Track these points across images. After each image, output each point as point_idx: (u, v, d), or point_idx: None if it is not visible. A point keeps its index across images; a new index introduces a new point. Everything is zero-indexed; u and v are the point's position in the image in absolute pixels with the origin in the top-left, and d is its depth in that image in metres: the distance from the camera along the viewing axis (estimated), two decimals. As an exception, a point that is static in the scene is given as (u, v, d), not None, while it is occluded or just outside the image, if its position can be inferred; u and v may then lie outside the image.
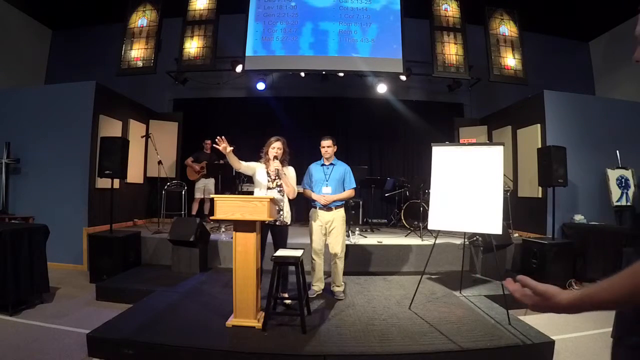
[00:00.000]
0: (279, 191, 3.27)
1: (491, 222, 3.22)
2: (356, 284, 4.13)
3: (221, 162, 6.27)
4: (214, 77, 7.19)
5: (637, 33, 0.84)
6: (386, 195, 6.97)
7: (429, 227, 3.60)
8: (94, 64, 7.13)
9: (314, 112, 7.67)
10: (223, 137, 3.00)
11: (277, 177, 3.28)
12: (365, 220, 7.03)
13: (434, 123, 7.34)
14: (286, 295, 3.42)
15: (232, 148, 3.05)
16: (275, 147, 3.26)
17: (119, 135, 5.67)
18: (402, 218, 6.49)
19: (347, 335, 2.74)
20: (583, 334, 3.15)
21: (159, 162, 5.96)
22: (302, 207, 6.77)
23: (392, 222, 7.11)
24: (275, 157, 3.22)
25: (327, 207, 3.55)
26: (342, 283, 3.69)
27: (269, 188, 3.27)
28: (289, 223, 3.38)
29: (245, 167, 3.29)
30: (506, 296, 3.23)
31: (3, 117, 5.45)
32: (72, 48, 7.68)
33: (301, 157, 6.77)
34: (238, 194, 6.06)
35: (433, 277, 4.44)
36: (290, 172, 3.37)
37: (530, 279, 0.83)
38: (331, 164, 3.66)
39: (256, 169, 3.33)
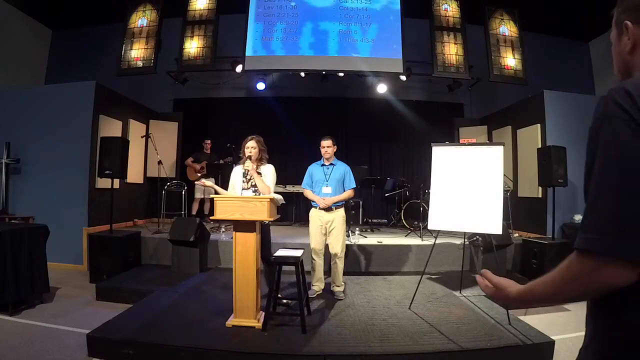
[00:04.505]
0: (254, 191, 3.15)
1: (491, 222, 3.22)
2: (356, 284, 4.13)
3: (221, 162, 6.28)
4: (214, 77, 7.18)
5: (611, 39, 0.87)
6: (386, 195, 6.97)
7: (429, 227, 3.60)
8: (94, 64, 7.13)
9: (314, 112, 7.67)
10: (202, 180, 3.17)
11: (251, 177, 3.18)
12: (365, 220, 7.03)
13: (434, 123, 7.33)
14: (279, 295, 3.41)
15: (212, 184, 3.27)
16: (250, 147, 3.17)
17: (119, 135, 5.67)
18: (402, 218, 6.48)
19: (347, 335, 2.74)
20: (583, 334, 3.14)
21: (159, 162, 5.96)
22: (302, 207, 6.77)
23: (392, 222, 7.11)
24: (249, 157, 3.13)
25: (327, 207, 3.55)
26: (342, 283, 3.69)
27: (243, 189, 3.18)
28: (267, 222, 3.14)
29: (231, 188, 3.23)
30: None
31: (3, 117, 5.45)
32: (72, 48, 7.67)
33: (301, 157, 6.77)
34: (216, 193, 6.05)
35: (433, 277, 4.44)
36: (266, 170, 3.22)
37: (490, 272, 0.94)
38: (331, 164, 3.66)
39: (235, 175, 3.26)
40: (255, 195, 3.10)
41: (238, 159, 3.35)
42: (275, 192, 3.14)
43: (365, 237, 5.43)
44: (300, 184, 3.96)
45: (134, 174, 6.13)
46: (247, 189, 3.18)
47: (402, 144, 7.89)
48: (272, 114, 7.27)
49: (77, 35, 7.71)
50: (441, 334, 2.75)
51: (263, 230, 3.27)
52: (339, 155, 3.79)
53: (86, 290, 4.06)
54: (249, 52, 6.34)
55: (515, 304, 0.86)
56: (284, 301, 3.35)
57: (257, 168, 3.16)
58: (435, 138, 5.68)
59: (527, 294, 0.81)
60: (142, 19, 6.44)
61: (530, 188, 5.64)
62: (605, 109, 0.71)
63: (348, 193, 3.63)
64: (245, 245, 2.81)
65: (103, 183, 5.02)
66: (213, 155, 6.55)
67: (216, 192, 3.23)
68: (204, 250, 4.66)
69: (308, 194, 3.69)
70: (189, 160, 6.55)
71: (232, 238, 2.90)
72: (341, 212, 3.62)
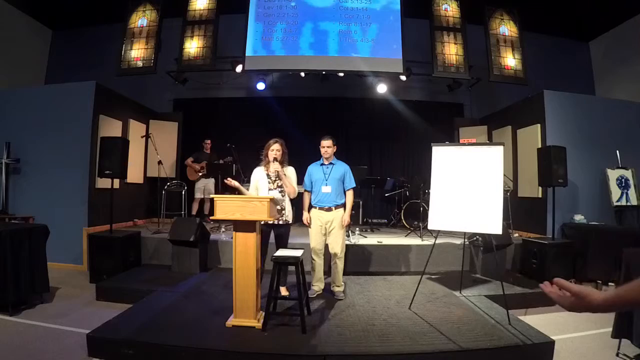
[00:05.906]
0: (280, 191, 3.38)
1: (491, 222, 3.22)
2: (356, 284, 4.13)
3: (221, 162, 6.28)
4: (214, 77, 7.19)
5: None
6: (386, 195, 6.97)
7: (429, 227, 3.60)
8: (94, 64, 7.13)
9: (314, 112, 7.67)
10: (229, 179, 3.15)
11: (277, 178, 3.37)
12: (365, 220, 7.03)
13: (434, 123, 7.34)
14: (284, 288, 3.53)
15: (238, 185, 3.17)
16: (275, 149, 3.35)
17: (119, 135, 5.67)
18: (402, 218, 6.49)
19: (347, 335, 2.74)
20: (583, 334, 3.15)
21: (159, 162, 5.96)
22: (302, 207, 6.76)
23: (392, 222, 7.11)
24: (275, 159, 3.31)
25: (327, 207, 3.55)
26: (342, 283, 3.69)
27: (270, 189, 3.37)
28: (290, 222, 3.49)
29: (253, 188, 3.41)
30: (506, 296, 3.23)
31: (3, 117, 5.45)
32: (72, 48, 7.68)
33: (301, 157, 6.75)
34: (238, 194, 6.06)
35: (433, 277, 4.44)
36: (290, 172, 3.45)
37: (565, 281, 0.88)
38: (331, 163, 3.66)
39: (257, 176, 3.44)
40: (282, 195, 3.35)
41: (259, 160, 3.47)
42: None
43: (365, 237, 5.43)
44: (300, 183, 3.96)
45: (134, 174, 6.13)
46: (273, 190, 3.37)
47: (402, 144, 7.88)
48: (272, 114, 7.28)
49: (77, 35, 7.71)
50: (441, 334, 2.75)
51: (284, 231, 3.43)
52: (339, 155, 3.78)
53: (86, 290, 4.06)
54: (249, 52, 6.34)
55: (597, 311, 0.85)
56: (284, 293, 3.48)
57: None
58: (435, 138, 5.68)
59: (615, 300, 0.80)
60: (142, 19, 6.43)
61: (530, 188, 5.64)
62: None
63: (350, 199, 3.64)
64: (245, 245, 2.81)
65: (103, 183, 5.02)
66: (213, 155, 6.55)
67: (239, 192, 3.29)
68: (204, 250, 4.66)
69: (305, 199, 3.72)
70: (189, 160, 6.55)
71: (232, 238, 2.90)
72: (341, 212, 3.61)
